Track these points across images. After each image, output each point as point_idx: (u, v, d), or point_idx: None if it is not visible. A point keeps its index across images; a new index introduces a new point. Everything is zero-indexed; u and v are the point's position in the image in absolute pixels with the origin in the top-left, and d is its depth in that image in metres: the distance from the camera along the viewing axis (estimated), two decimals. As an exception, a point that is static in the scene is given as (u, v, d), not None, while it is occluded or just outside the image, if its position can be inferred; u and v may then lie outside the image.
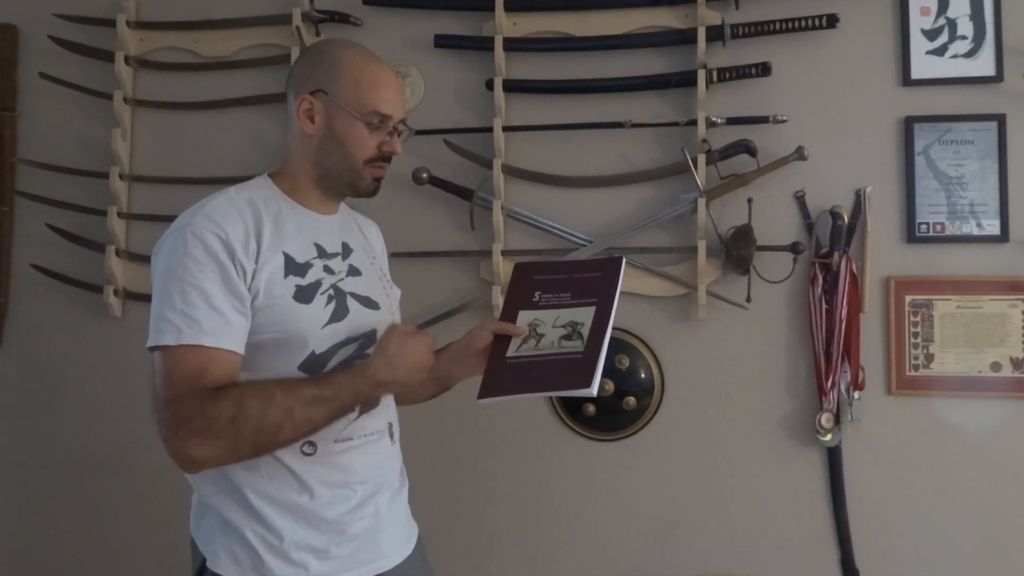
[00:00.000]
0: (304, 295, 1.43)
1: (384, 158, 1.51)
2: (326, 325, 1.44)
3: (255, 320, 1.39)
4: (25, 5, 2.60)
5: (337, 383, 1.38)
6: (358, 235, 1.63)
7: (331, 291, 1.46)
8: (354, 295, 1.49)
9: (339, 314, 1.46)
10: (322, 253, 1.49)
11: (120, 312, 2.49)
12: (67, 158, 2.55)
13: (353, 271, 1.53)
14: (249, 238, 1.40)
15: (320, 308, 1.44)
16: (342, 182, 1.51)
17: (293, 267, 1.43)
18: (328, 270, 1.48)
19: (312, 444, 1.43)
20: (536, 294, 1.56)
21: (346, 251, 1.55)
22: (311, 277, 1.45)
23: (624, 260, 1.56)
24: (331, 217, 1.56)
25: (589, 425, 2.34)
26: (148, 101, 2.53)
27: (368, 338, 1.50)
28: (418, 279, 2.23)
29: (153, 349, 1.35)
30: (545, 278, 1.58)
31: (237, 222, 1.40)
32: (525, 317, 1.54)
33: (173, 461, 1.33)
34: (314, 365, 1.43)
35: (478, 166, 2.37)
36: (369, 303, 1.53)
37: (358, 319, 1.49)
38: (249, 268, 1.38)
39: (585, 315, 1.49)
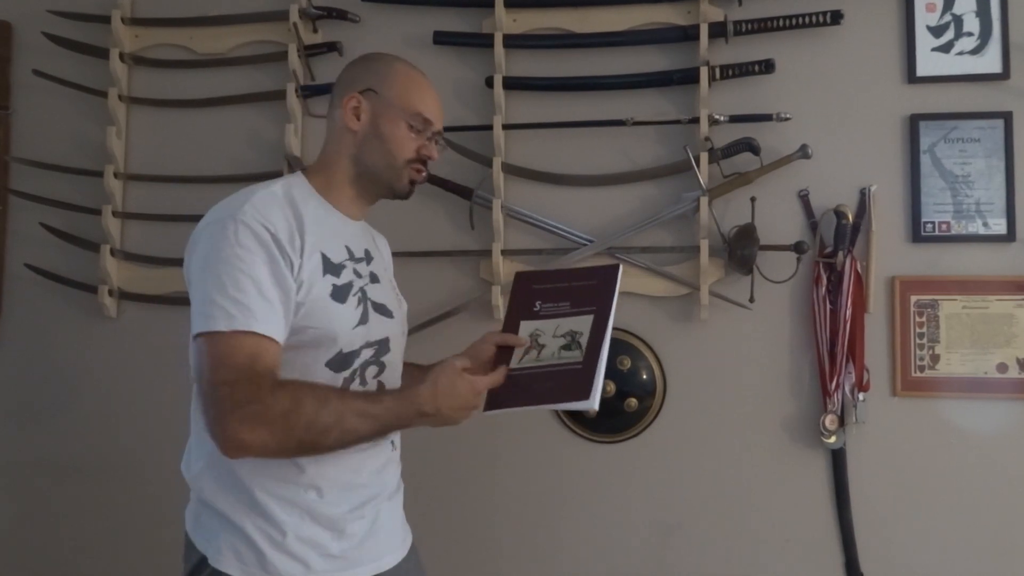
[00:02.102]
0: (339, 294, 1.46)
1: (421, 161, 1.56)
2: (356, 326, 1.47)
3: (295, 315, 1.40)
4: (19, 2, 2.57)
5: (385, 403, 1.40)
6: (373, 245, 1.65)
7: (360, 294, 1.50)
8: (373, 302, 1.52)
9: (365, 317, 1.49)
10: (351, 256, 1.52)
11: (115, 312, 2.47)
12: (61, 156, 2.53)
13: (374, 278, 1.56)
14: (293, 233, 1.42)
15: (352, 309, 1.47)
16: (381, 181, 1.55)
17: (329, 266, 1.46)
18: (356, 273, 1.51)
19: None
20: (536, 303, 1.55)
21: (368, 257, 1.58)
22: (344, 278, 1.48)
23: (621, 267, 1.54)
24: (356, 223, 1.59)
25: (590, 427, 2.32)
26: (143, 99, 2.51)
27: (382, 346, 1.53)
28: (417, 279, 2.21)
29: (199, 335, 1.35)
30: (544, 287, 1.58)
31: (281, 216, 1.42)
32: (527, 328, 1.53)
33: (218, 445, 1.32)
34: (341, 363, 1.46)
35: (478, 164, 2.35)
36: (385, 311, 1.55)
37: (376, 325, 1.52)
38: (296, 262, 1.40)
39: (583, 324, 1.49)
